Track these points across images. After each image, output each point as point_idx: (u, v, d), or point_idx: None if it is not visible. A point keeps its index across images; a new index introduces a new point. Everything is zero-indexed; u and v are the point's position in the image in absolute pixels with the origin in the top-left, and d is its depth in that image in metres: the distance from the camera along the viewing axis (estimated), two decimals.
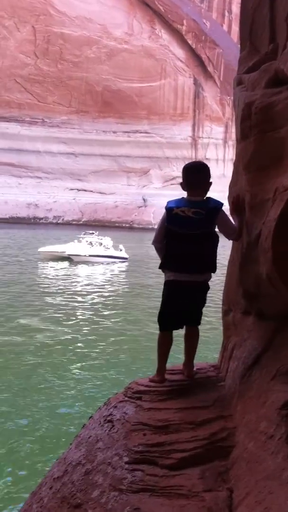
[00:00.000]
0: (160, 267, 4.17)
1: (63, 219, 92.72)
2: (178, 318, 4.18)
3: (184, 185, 4.14)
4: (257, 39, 4.14)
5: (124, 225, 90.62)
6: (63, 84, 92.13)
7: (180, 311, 4.14)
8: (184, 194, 4.20)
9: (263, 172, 3.49)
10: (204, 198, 4.09)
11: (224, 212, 4.03)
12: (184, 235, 3.97)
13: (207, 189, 4.12)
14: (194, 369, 4.31)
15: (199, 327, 4.30)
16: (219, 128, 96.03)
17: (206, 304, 4.18)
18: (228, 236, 4.06)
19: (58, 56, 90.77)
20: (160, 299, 4.21)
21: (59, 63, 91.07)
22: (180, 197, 4.16)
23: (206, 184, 4.11)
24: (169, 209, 4.03)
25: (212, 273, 4.12)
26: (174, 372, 4.25)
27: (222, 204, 4.08)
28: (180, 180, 4.20)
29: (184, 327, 4.27)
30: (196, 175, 4.17)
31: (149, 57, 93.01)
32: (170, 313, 4.15)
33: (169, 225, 4.02)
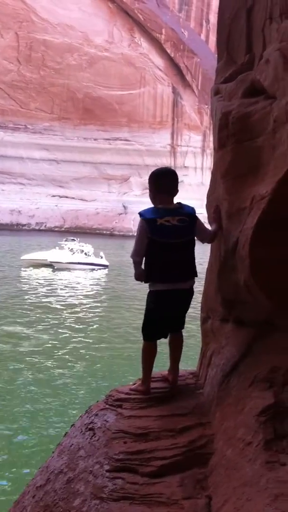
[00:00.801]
0: (146, 280, 4.03)
1: (45, 226, 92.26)
2: (165, 327, 4.14)
3: (156, 193, 4.05)
4: (234, 49, 4.18)
5: (105, 232, 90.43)
6: (45, 91, 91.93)
7: (168, 320, 4.10)
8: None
9: (240, 181, 3.52)
10: (177, 204, 4.05)
11: (198, 217, 4.03)
12: (171, 245, 3.89)
13: (175, 195, 4.08)
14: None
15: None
16: (197, 136, 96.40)
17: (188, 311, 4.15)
18: (203, 240, 4.07)
19: (41, 62, 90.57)
20: (142, 307, 4.16)
21: (41, 69, 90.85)
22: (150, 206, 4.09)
23: (176, 189, 4.08)
24: (151, 220, 3.90)
25: (195, 279, 4.09)
26: (154, 380, 4.24)
27: (194, 209, 4.07)
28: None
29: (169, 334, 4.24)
30: (167, 180, 4.11)
31: (129, 65, 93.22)
32: (158, 323, 4.09)
33: (155, 237, 3.88)
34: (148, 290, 4.09)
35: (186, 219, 3.93)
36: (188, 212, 3.99)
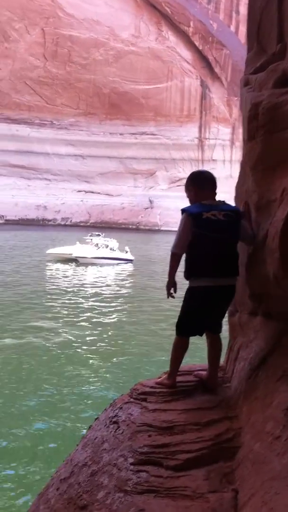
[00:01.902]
0: (187, 276, 3.96)
1: (71, 221, 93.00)
2: (201, 325, 4.07)
3: (198, 190, 4.04)
4: (264, 39, 4.12)
5: (130, 226, 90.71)
6: (71, 86, 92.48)
7: (206, 318, 4.04)
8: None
9: (270, 173, 3.48)
10: (221, 201, 4.01)
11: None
12: (217, 239, 3.83)
13: (216, 194, 4.07)
14: (200, 370, 4.28)
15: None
16: (226, 129, 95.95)
17: None
18: (249, 244, 3.94)
19: (67, 58, 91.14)
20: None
21: (67, 65, 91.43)
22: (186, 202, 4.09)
23: (216, 188, 4.07)
24: (197, 214, 3.86)
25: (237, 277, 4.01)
26: (179, 374, 4.23)
27: (239, 208, 4.04)
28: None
29: (205, 335, 4.16)
30: (211, 180, 4.12)
31: (156, 59, 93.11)
32: (194, 320, 4.03)
33: (200, 230, 3.83)
34: (188, 286, 4.00)
35: (232, 214, 3.88)
36: (233, 209, 3.96)
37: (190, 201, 4.10)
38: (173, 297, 4.01)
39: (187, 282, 4.03)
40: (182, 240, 3.90)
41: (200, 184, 4.08)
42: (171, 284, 3.99)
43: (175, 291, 4.00)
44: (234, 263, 3.94)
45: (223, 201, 4.01)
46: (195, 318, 4.03)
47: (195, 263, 3.92)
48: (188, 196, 4.13)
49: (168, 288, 4.00)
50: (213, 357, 4.15)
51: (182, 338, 4.10)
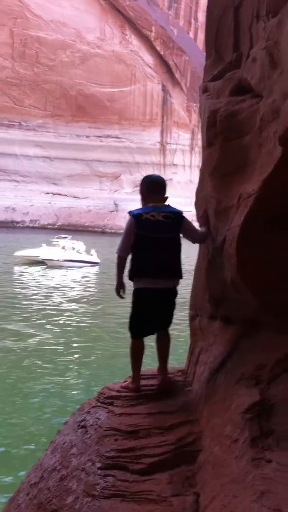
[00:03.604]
0: (131, 277, 4.09)
1: (39, 223, 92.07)
2: (151, 325, 4.19)
3: (146, 193, 4.17)
4: (221, 47, 4.18)
5: (97, 229, 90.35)
6: (39, 88, 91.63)
7: (153, 318, 4.15)
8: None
9: (228, 179, 3.53)
10: (165, 204, 4.15)
11: (186, 217, 4.10)
12: (155, 239, 3.97)
13: (164, 198, 4.19)
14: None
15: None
16: (186, 134, 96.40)
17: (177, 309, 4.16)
18: (194, 240, 4.12)
19: (34, 59, 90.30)
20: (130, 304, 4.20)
21: (35, 66, 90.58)
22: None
23: (165, 192, 4.21)
24: (137, 215, 4.02)
25: (179, 280, 4.14)
26: (143, 377, 4.26)
27: (182, 212, 4.15)
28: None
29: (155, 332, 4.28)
30: (159, 184, 4.24)
31: (120, 62, 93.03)
32: (143, 321, 4.15)
33: (139, 231, 3.98)
34: (133, 288, 4.13)
35: (171, 216, 4.02)
36: (174, 211, 4.08)
37: (142, 204, 4.22)
38: (122, 297, 4.14)
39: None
40: (125, 242, 4.07)
41: (146, 187, 4.21)
42: (119, 285, 4.15)
43: (124, 292, 4.14)
44: (172, 266, 4.07)
45: (168, 205, 4.15)
46: (144, 319, 4.15)
47: (137, 264, 4.06)
48: (141, 200, 4.25)
49: (117, 290, 4.17)
50: (161, 353, 4.28)
51: (136, 341, 4.20)
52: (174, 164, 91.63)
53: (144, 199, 4.18)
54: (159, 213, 4.00)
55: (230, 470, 2.61)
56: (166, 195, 4.23)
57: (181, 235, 4.09)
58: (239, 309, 3.45)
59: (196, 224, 4.21)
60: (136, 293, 4.10)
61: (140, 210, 4.09)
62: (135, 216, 4.03)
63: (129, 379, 4.27)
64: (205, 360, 3.86)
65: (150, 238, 3.97)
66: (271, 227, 3.07)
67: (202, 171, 4.19)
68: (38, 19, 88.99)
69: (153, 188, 4.19)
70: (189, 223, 4.09)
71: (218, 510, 2.45)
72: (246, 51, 3.67)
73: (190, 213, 4.12)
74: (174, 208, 4.13)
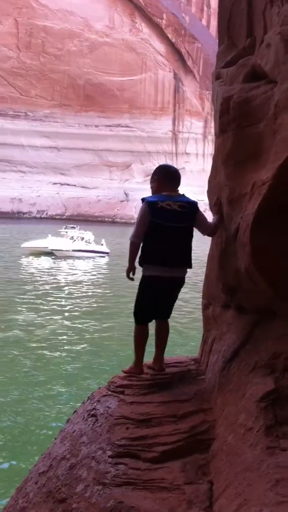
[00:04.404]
0: (141, 263, 4.14)
1: (46, 214, 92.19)
2: (153, 312, 4.26)
3: (162, 181, 4.19)
4: (235, 33, 4.14)
5: (107, 219, 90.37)
6: (45, 77, 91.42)
7: (157, 306, 4.21)
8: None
9: (241, 167, 3.50)
10: (180, 193, 4.19)
11: (200, 209, 4.14)
12: (170, 228, 3.99)
13: (178, 187, 4.24)
14: (174, 362, 4.37)
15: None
16: (198, 122, 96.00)
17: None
18: (205, 232, 4.13)
19: (41, 49, 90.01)
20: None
21: (41, 56, 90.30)
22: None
23: (179, 183, 4.25)
24: (152, 203, 4.04)
25: (188, 269, 4.18)
26: (168, 365, 4.30)
27: (197, 202, 4.19)
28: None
29: (155, 321, 4.34)
30: (177, 176, 4.29)
31: (130, 50, 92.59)
32: (149, 307, 4.21)
33: (154, 219, 4.00)
34: (142, 275, 4.18)
35: (187, 205, 4.05)
36: (189, 201, 4.12)
37: (152, 192, 4.25)
38: (132, 279, 4.23)
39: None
40: (139, 229, 4.09)
41: (163, 176, 4.23)
42: (130, 269, 4.21)
43: (133, 274, 4.22)
44: (185, 255, 4.11)
45: (183, 194, 4.20)
46: (149, 305, 4.21)
47: (148, 251, 4.10)
48: (152, 187, 4.28)
49: (128, 272, 4.23)
50: (159, 342, 4.34)
51: (141, 326, 4.27)
52: (186, 153, 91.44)
53: (158, 188, 4.19)
54: (175, 202, 4.03)
55: (244, 459, 2.61)
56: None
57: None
58: (253, 298, 3.43)
59: (208, 214, 4.22)
60: (145, 279, 4.15)
61: (155, 198, 4.11)
62: (150, 203, 4.05)
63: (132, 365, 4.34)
64: (218, 349, 3.86)
65: (164, 226, 4.00)
66: (285, 215, 3.05)
67: (215, 159, 4.16)
68: (44, 8, 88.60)
69: (170, 177, 4.23)
70: (202, 214, 4.12)
71: (232, 498, 2.45)
72: (260, 37, 3.63)
73: (203, 202, 4.12)
74: (189, 198, 4.16)
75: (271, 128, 3.17)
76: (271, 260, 3.09)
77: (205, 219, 4.10)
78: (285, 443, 2.58)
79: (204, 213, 4.19)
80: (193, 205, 4.09)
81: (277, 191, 3.00)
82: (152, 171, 4.38)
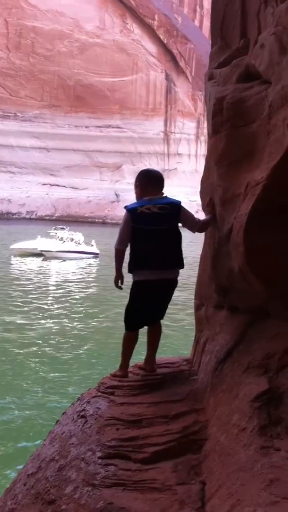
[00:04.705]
0: (130, 270, 4.13)
1: (36, 214, 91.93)
2: (147, 317, 4.24)
3: (146, 187, 4.18)
4: (228, 34, 4.15)
5: (97, 220, 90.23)
6: (35, 78, 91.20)
7: (150, 310, 4.20)
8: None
9: (234, 167, 3.50)
10: (162, 195, 4.18)
11: (184, 207, 4.13)
12: (152, 231, 4.00)
13: (162, 190, 4.23)
14: (165, 362, 4.36)
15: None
16: (191, 123, 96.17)
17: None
18: (192, 229, 4.13)
19: (30, 49, 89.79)
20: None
21: (31, 56, 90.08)
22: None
23: (162, 189, 4.22)
24: (132, 209, 4.06)
25: (180, 269, 4.17)
26: (159, 366, 4.28)
27: (180, 201, 4.19)
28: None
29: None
30: (158, 179, 4.27)
31: (121, 51, 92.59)
32: (140, 313, 4.19)
33: (135, 224, 4.03)
34: (132, 280, 4.17)
35: (168, 207, 4.05)
36: (170, 201, 4.11)
37: (136, 197, 4.25)
38: (121, 288, 4.24)
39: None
40: (122, 236, 4.13)
41: (145, 181, 4.23)
42: (118, 277, 4.23)
43: (122, 283, 4.24)
44: (172, 256, 4.11)
45: (165, 196, 4.19)
46: (141, 311, 4.19)
47: (136, 257, 4.09)
48: (135, 193, 4.28)
49: (116, 281, 4.25)
50: (152, 342, 4.33)
51: (130, 332, 4.25)
52: (178, 154, 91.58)
53: (141, 193, 4.20)
54: (154, 205, 4.03)
55: (237, 459, 2.60)
56: (170, 186, 4.23)
57: (180, 224, 4.11)
58: (246, 298, 3.44)
59: (201, 214, 4.21)
60: (136, 285, 4.13)
61: (135, 204, 4.12)
62: (130, 210, 4.07)
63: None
64: (211, 349, 3.85)
65: (146, 230, 4.02)
66: (279, 215, 3.05)
67: (208, 160, 4.16)
68: (33, 9, 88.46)
69: (152, 181, 4.23)
70: (187, 212, 4.12)
71: (225, 498, 2.44)
72: (254, 38, 3.64)
73: (195, 202, 4.10)
74: (171, 199, 4.16)
75: (265, 128, 3.17)
76: (265, 260, 3.10)
77: (191, 216, 4.10)
78: (279, 443, 2.58)
79: (197, 214, 4.19)
80: (175, 205, 4.08)
81: (271, 192, 3.00)
82: None
